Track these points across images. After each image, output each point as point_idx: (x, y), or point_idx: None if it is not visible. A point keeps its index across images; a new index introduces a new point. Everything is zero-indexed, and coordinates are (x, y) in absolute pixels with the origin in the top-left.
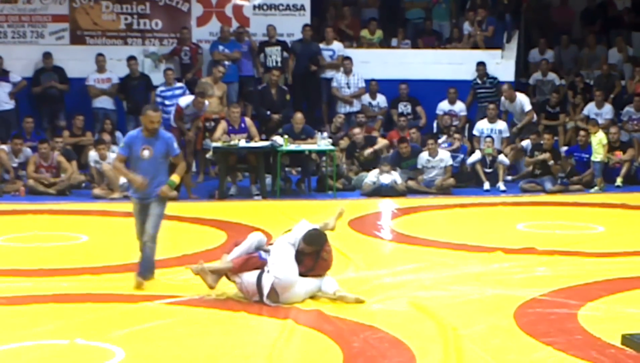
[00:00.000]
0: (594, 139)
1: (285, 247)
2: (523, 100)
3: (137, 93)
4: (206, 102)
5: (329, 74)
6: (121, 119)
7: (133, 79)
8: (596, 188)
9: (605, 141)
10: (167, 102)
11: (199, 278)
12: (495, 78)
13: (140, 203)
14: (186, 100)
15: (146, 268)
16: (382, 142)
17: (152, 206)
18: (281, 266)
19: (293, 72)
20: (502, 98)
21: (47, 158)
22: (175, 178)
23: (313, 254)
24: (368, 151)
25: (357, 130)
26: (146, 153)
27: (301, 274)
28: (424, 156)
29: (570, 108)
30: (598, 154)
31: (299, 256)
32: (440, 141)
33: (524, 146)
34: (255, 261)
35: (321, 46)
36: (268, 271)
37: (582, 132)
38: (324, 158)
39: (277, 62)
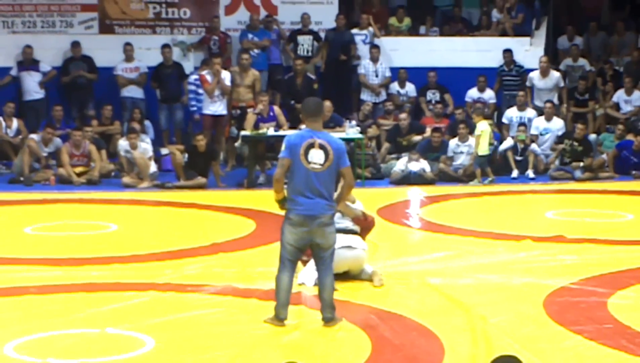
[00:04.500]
0: (476, 129)
1: None
2: (557, 76)
3: (171, 81)
4: (223, 72)
5: (359, 61)
6: (153, 108)
7: (166, 68)
8: (475, 181)
9: (479, 132)
10: (199, 90)
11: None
12: (521, 66)
13: None
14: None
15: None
16: (430, 131)
17: None
18: None
19: (326, 61)
20: (531, 74)
21: (79, 146)
22: None
23: None
24: (417, 138)
25: (403, 115)
26: None
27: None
28: (453, 141)
29: (600, 95)
30: (477, 146)
31: None
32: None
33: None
34: None
35: (354, 31)
36: None
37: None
38: (351, 144)
39: (308, 51)
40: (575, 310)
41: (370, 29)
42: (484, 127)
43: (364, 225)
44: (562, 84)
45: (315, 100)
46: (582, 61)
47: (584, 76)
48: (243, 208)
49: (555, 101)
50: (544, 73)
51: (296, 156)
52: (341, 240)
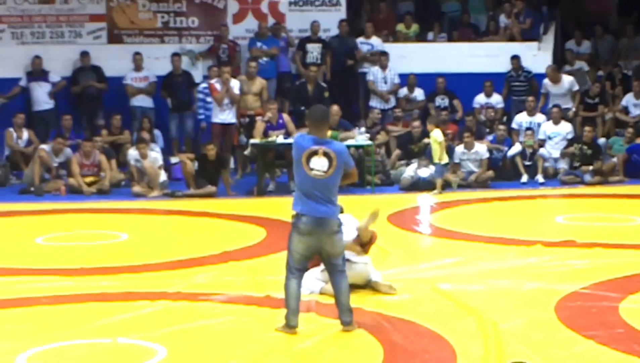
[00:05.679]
0: (431, 138)
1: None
2: (570, 80)
3: (180, 90)
4: (232, 81)
5: (366, 68)
6: (164, 117)
7: (176, 76)
8: (435, 191)
9: (440, 139)
10: (208, 99)
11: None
12: (529, 72)
13: None
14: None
15: None
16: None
17: None
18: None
19: (331, 69)
20: (545, 81)
21: (89, 156)
22: None
23: None
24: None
25: (416, 123)
26: None
27: None
28: (459, 149)
29: (609, 99)
30: (435, 155)
31: None
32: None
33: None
34: None
35: (360, 40)
36: None
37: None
38: (360, 150)
39: (317, 58)
40: (587, 315)
41: (376, 38)
42: (438, 135)
43: (368, 247)
44: (576, 88)
45: (322, 108)
46: (579, 64)
47: (597, 79)
48: (253, 216)
49: (570, 105)
50: (553, 80)
51: (299, 159)
52: None
